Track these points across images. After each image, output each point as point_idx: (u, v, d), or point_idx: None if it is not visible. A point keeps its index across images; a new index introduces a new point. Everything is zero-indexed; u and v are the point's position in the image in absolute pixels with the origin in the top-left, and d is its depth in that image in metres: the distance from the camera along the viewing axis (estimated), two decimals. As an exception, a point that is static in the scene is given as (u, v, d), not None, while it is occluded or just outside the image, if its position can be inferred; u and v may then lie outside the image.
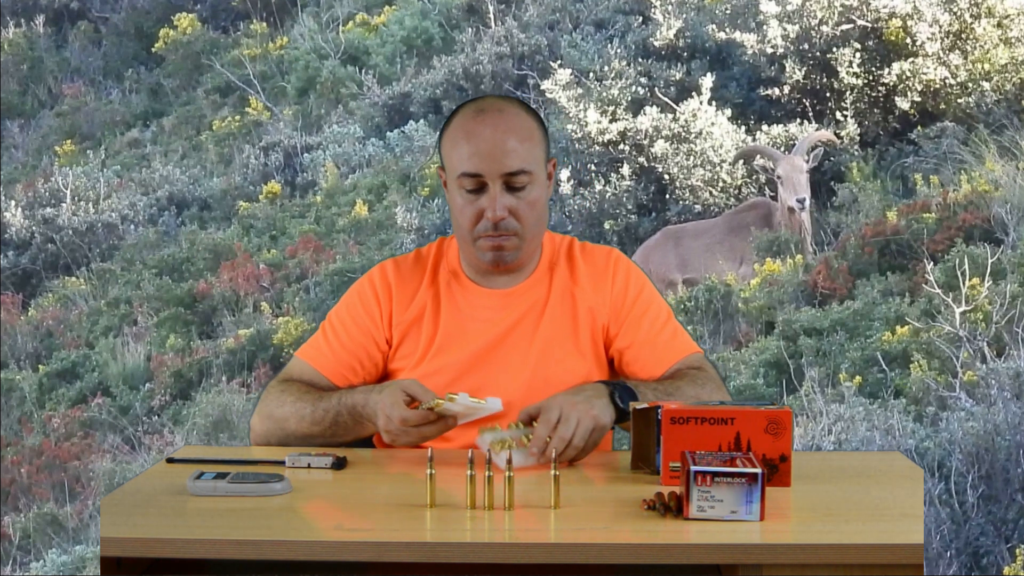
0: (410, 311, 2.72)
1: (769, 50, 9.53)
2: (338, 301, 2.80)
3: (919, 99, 8.99)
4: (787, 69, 9.33)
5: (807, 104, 9.33)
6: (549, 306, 2.72)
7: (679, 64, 10.03)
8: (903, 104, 8.98)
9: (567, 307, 2.72)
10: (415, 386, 2.53)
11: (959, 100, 8.90)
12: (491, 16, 12.31)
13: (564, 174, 9.12)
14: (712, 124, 9.06)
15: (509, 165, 2.61)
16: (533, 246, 2.71)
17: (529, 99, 10.41)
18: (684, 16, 10.40)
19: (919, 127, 8.90)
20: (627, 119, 9.28)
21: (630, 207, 9.05)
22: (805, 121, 9.16)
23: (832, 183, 8.89)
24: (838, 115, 9.13)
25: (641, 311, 2.72)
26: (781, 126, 9.14)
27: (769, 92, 9.47)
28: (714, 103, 9.20)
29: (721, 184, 8.99)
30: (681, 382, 2.61)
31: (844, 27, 9.24)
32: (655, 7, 10.56)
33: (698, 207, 8.94)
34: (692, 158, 8.98)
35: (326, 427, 2.62)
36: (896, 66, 8.99)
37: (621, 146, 9.19)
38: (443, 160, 2.70)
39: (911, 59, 8.98)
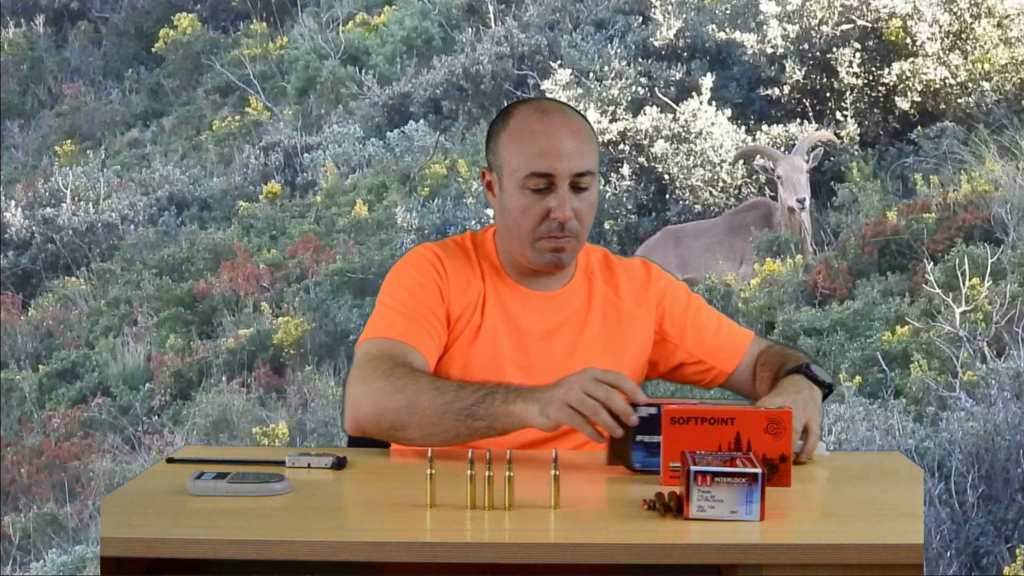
0: (466, 296, 2.65)
1: (769, 50, 9.53)
2: (385, 287, 2.66)
3: (919, 99, 8.99)
4: (787, 69, 9.33)
5: (807, 104, 9.33)
6: (591, 314, 2.70)
7: (679, 64, 10.03)
8: (903, 104, 8.98)
9: (610, 317, 2.71)
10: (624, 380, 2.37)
11: (959, 100, 8.90)
12: (491, 16, 12.31)
13: (564, 174, 9.12)
14: (712, 124, 9.06)
15: (579, 165, 2.60)
16: (581, 249, 2.71)
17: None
18: (684, 16, 10.41)
19: (919, 127, 8.90)
20: (627, 119, 9.28)
21: (630, 207, 9.05)
22: (805, 121, 9.16)
23: (832, 183, 8.89)
24: (838, 115, 9.14)
25: (696, 312, 2.77)
26: (781, 126, 9.15)
27: (769, 92, 9.47)
28: (714, 103, 9.20)
29: (721, 184, 8.99)
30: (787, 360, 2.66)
31: (844, 27, 9.24)
32: (655, 7, 10.56)
33: (698, 207, 8.95)
34: (692, 158, 8.98)
35: (462, 408, 2.42)
36: (896, 66, 8.99)
37: (621, 146, 9.19)
38: (499, 160, 2.64)
39: (911, 59, 8.98)
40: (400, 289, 2.64)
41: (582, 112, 2.76)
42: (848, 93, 9.12)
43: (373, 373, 2.52)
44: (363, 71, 12.60)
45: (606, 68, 9.87)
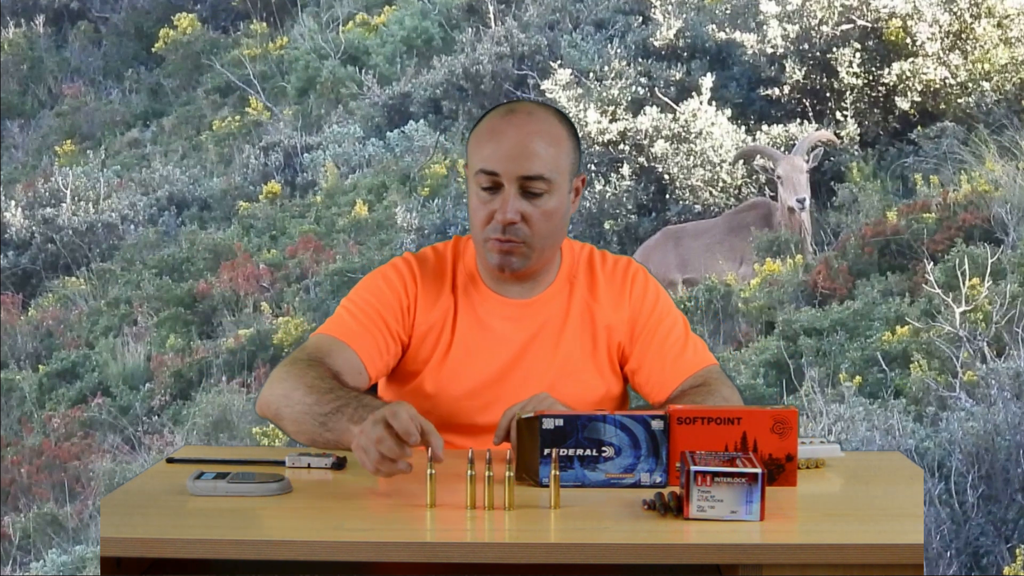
0: (433, 313, 2.63)
1: (769, 50, 9.53)
2: (352, 289, 2.69)
3: (919, 99, 8.99)
4: (787, 69, 9.33)
5: (807, 104, 9.33)
6: (569, 321, 2.65)
7: (679, 64, 10.03)
8: (903, 104, 8.98)
9: (587, 324, 2.65)
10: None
11: (959, 100, 8.90)
12: (491, 16, 12.31)
13: (564, 174, 9.12)
14: (712, 124, 9.06)
15: (528, 168, 2.53)
16: (545, 257, 2.62)
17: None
18: (684, 16, 10.40)
19: (919, 127, 8.90)
20: (627, 119, 9.28)
21: (630, 207, 9.05)
22: (805, 121, 9.16)
23: (832, 183, 8.89)
24: (838, 115, 9.14)
25: (653, 328, 2.65)
26: (781, 126, 9.14)
27: (769, 92, 9.47)
28: (714, 103, 9.20)
29: (721, 184, 8.99)
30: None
31: (844, 27, 9.24)
32: (655, 7, 10.56)
33: (698, 207, 8.94)
34: (692, 158, 8.98)
35: (319, 414, 2.43)
36: (896, 66, 8.99)
37: (621, 146, 9.19)
38: (468, 158, 2.62)
39: (911, 59, 8.98)
40: (360, 296, 2.66)
41: (567, 117, 2.62)
42: (848, 93, 9.12)
43: (285, 361, 2.58)
44: (363, 71, 12.60)
45: (606, 68, 9.87)
